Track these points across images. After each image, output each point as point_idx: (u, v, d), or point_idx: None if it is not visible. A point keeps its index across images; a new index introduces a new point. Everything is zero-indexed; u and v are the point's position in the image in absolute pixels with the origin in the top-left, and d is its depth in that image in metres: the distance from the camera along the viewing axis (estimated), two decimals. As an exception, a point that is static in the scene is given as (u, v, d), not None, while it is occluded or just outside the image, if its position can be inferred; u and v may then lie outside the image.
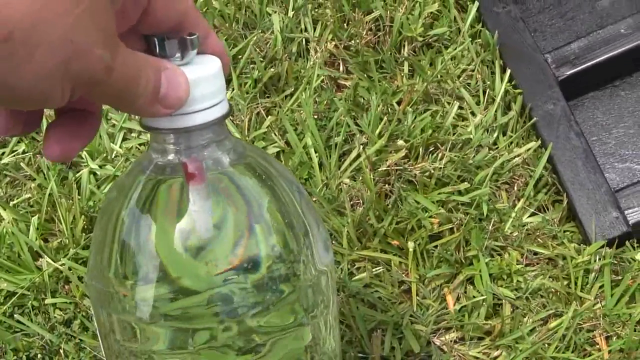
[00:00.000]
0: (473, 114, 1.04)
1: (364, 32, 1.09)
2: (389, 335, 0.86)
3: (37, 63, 0.37)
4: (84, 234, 0.93)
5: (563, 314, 0.87)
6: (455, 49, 1.09)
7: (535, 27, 1.12)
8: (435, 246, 0.92)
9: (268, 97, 1.06)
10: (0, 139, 1.04)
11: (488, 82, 1.06)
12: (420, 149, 0.98)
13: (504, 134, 1.03)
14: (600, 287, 0.90)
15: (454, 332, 0.88)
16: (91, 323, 0.87)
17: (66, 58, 0.38)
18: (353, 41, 1.09)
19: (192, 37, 0.47)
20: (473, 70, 1.08)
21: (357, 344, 0.85)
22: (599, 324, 0.86)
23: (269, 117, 1.03)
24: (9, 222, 0.94)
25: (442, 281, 0.91)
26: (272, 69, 1.07)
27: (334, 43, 1.09)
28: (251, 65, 1.08)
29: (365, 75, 1.07)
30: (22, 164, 1.00)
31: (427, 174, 0.96)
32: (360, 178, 0.96)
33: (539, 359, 0.84)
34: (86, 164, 0.99)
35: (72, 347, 0.86)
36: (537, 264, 0.92)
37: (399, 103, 1.04)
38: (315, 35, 1.10)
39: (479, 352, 0.85)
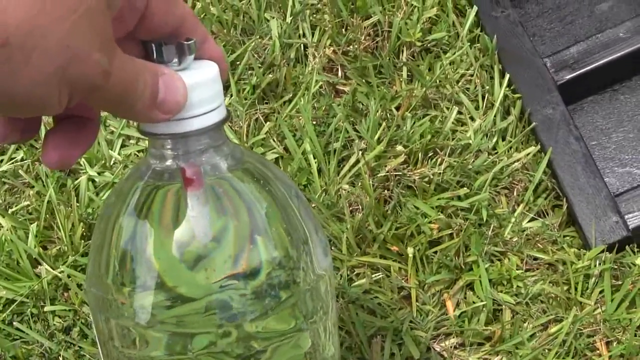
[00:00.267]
0: (472, 118, 1.04)
1: (363, 38, 1.09)
2: (389, 341, 0.85)
3: (34, 69, 0.37)
4: (82, 241, 0.93)
5: (563, 320, 0.87)
6: (454, 53, 1.09)
7: (534, 32, 1.12)
8: (435, 252, 0.92)
9: (266, 103, 1.06)
10: (-1, 146, 1.04)
11: (487, 87, 1.06)
12: (420, 155, 0.98)
13: (503, 139, 1.03)
14: (601, 292, 0.90)
15: (454, 337, 0.87)
16: (90, 330, 0.87)
17: (63, 63, 0.38)
18: (351, 46, 1.09)
19: (190, 42, 0.47)
20: (472, 75, 1.07)
21: (356, 350, 0.85)
22: (600, 329, 0.86)
23: (268, 123, 1.03)
24: (7, 230, 0.94)
25: (441, 287, 0.91)
26: (270, 75, 1.07)
27: (332, 48, 1.09)
28: (249, 72, 1.08)
29: (364, 80, 1.06)
30: (20, 171, 1.00)
31: (426, 179, 0.96)
32: (359, 184, 0.96)
33: (539, 365, 0.84)
34: (85, 171, 0.99)
35: (71, 355, 0.86)
36: (537, 269, 0.92)
37: (397, 108, 1.04)
38: (313, 41, 1.10)
39: (479, 358, 0.85)
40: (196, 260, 0.51)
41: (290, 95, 1.06)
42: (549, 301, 0.89)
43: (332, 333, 0.61)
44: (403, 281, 0.91)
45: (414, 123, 1.01)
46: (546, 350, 0.85)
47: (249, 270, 0.52)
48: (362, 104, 1.04)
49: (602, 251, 0.92)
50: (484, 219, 0.94)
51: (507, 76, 1.05)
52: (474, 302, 0.89)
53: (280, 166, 0.99)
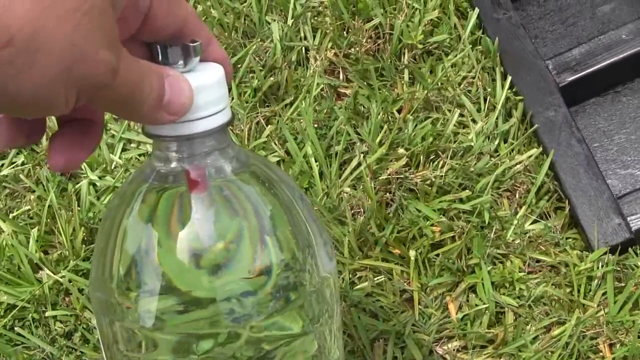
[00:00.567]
0: (474, 121, 1.03)
1: (364, 40, 1.09)
2: (391, 344, 0.85)
3: (39, 69, 0.37)
4: (84, 246, 0.92)
5: (566, 322, 0.87)
6: (456, 56, 1.09)
7: (536, 34, 1.12)
8: (437, 254, 0.92)
9: (268, 106, 1.06)
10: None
11: (489, 89, 1.06)
12: (421, 157, 0.98)
13: (505, 141, 1.02)
14: (604, 294, 0.89)
15: (456, 340, 0.87)
16: (92, 335, 0.87)
17: (70, 63, 0.38)
18: (353, 49, 1.09)
19: (195, 44, 0.47)
20: (474, 78, 1.07)
21: (359, 354, 0.85)
22: (603, 331, 0.86)
23: (269, 126, 1.03)
24: (8, 235, 0.94)
25: (444, 290, 0.90)
26: (271, 78, 1.06)
27: (333, 51, 1.09)
28: (250, 75, 1.08)
29: (366, 83, 1.06)
30: (21, 175, 1.00)
31: (428, 182, 0.96)
32: (361, 187, 0.96)
33: (543, 367, 0.84)
34: (86, 175, 0.99)
35: None
36: (540, 271, 0.92)
37: (399, 111, 1.04)
38: (314, 44, 1.10)
39: (482, 361, 0.85)
40: (201, 262, 0.51)
41: (292, 98, 1.06)
42: (551, 303, 0.89)
43: (337, 337, 0.61)
44: (405, 284, 0.90)
45: (416, 126, 1.01)
46: (549, 353, 0.85)
47: (255, 271, 0.52)
48: (364, 107, 1.04)
49: (605, 253, 0.91)
50: (486, 222, 0.94)
51: (509, 78, 1.05)
52: (476, 305, 0.88)
53: (282, 169, 0.99)
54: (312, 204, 0.94)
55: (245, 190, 0.53)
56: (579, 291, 0.89)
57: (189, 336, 0.53)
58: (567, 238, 0.95)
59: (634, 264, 0.91)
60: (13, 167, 1.02)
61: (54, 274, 0.90)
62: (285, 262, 0.53)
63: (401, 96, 1.05)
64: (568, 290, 0.89)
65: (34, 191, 0.99)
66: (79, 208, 0.95)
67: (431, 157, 0.99)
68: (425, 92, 1.04)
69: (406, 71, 1.08)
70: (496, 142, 1.01)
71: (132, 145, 1.03)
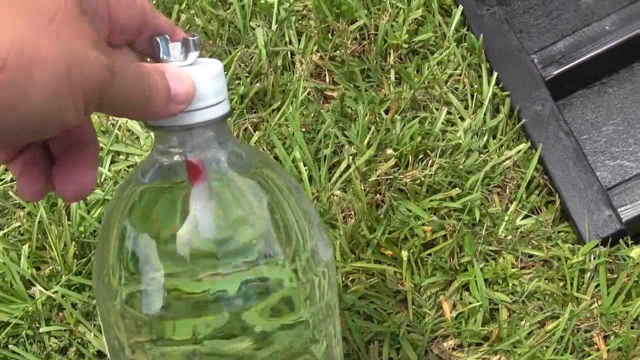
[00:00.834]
0: (462, 118, 1.03)
1: (349, 42, 1.09)
2: (387, 346, 0.85)
3: (40, 83, 0.37)
4: (75, 260, 0.92)
5: (560, 316, 0.87)
6: (441, 54, 1.09)
7: (520, 28, 1.12)
8: (429, 254, 0.92)
9: (255, 112, 1.06)
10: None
11: (475, 86, 1.05)
12: (410, 157, 0.98)
13: (494, 137, 1.02)
14: (596, 286, 0.89)
15: (451, 339, 0.87)
16: (87, 349, 0.87)
17: (65, 69, 0.38)
18: (338, 51, 1.09)
19: (194, 37, 0.50)
20: (460, 75, 1.07)
21: (354, 356, 0.85)
22: (597, 323, 0.86)
23: (257, 132, 1.02)
24: None
25: (437, 289, 0.90)
26: (257, 84, 1.06)
27: (319, 54, 1.09)
28: (237, 81, 1.08)
29: (352, 85, 1.06)
30: (10, 192, 1.00)
31: (417, 181, 0.96)
32: (351, 189, 0.95)
33: (538, 363, 0.84)
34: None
35: (68, 375, 0.86)
36: (532, 266, 0.92)
37: (386, 112, 1.04)
38: (300, 48, 1.10)
39: (477, 358, 0.85)
40: (202, 254, 0.52)
41: (279, 103, 1.06)
42: (545, 298, 0.89)
43: (338, 332, 0.61)
44: (398, 285, 0.90)
45: (404, 125, 1.01)
46: (544, 348, 0.85)
47: (254, 264, 0.52)
48: (351, 109, 1.04)
49: (597, 245, 0.91)
50: (477, 219, 0.94)
51: (495, 74, 1.05)
52: (470, 303, 0.88)
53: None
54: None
55: (245, 182, 0.54)
56: (571, 284, 0.89)
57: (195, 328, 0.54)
58: (558, 232, 0.95)
59: (625, 254, 0.91)
60: (2, 184, 1.02)
61: (47, 290, 0.90)
62: (282, 254, 0.54)
63: (388, 97, 1.05)
64: (561, 284, 0.89)
65: (23, 207, 0.99)
66: (69, 223, 0.95)
67: (420, 157, 0.99)
68: (412, 91, 1.04)
69: (392, 71, 1.08)
70: (485, 139, 1.01)
71: (121, 157, 1.03)
